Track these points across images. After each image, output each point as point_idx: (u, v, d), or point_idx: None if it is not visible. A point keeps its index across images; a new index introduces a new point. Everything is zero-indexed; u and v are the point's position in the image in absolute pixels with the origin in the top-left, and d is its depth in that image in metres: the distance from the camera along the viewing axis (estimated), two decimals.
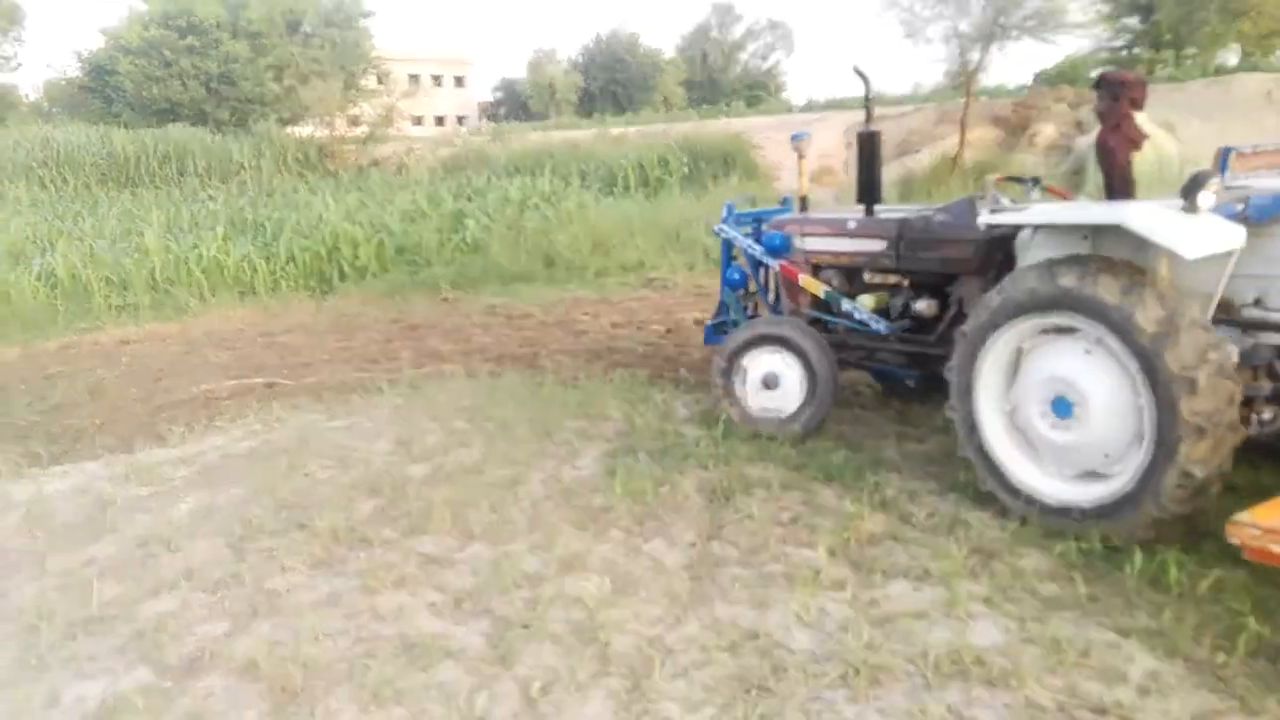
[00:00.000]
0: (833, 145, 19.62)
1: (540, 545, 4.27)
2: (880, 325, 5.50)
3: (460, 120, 53.21)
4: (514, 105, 55.32)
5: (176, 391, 7.52)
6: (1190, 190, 3.88)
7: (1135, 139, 5.33)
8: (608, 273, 12.28)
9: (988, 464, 4.33)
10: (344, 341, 9.34)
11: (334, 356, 8.67)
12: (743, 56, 57.62)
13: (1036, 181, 5.68)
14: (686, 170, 17.22)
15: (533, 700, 3.13)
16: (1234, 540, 3.22)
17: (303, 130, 26.81)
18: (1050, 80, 26.84)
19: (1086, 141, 6.15)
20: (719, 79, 54.88)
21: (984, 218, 4.61)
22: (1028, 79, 31.07)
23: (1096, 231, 4.18)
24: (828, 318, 5.87)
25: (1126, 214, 3.89)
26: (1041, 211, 4.56)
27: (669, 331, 8.84)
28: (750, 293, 6.57)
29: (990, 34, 16.78)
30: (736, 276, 6.49)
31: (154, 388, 7.72)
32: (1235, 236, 3.89)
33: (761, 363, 5.65)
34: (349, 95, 28.90)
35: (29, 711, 3.18)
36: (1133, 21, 29.82)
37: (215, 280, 12.36)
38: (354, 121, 26.74)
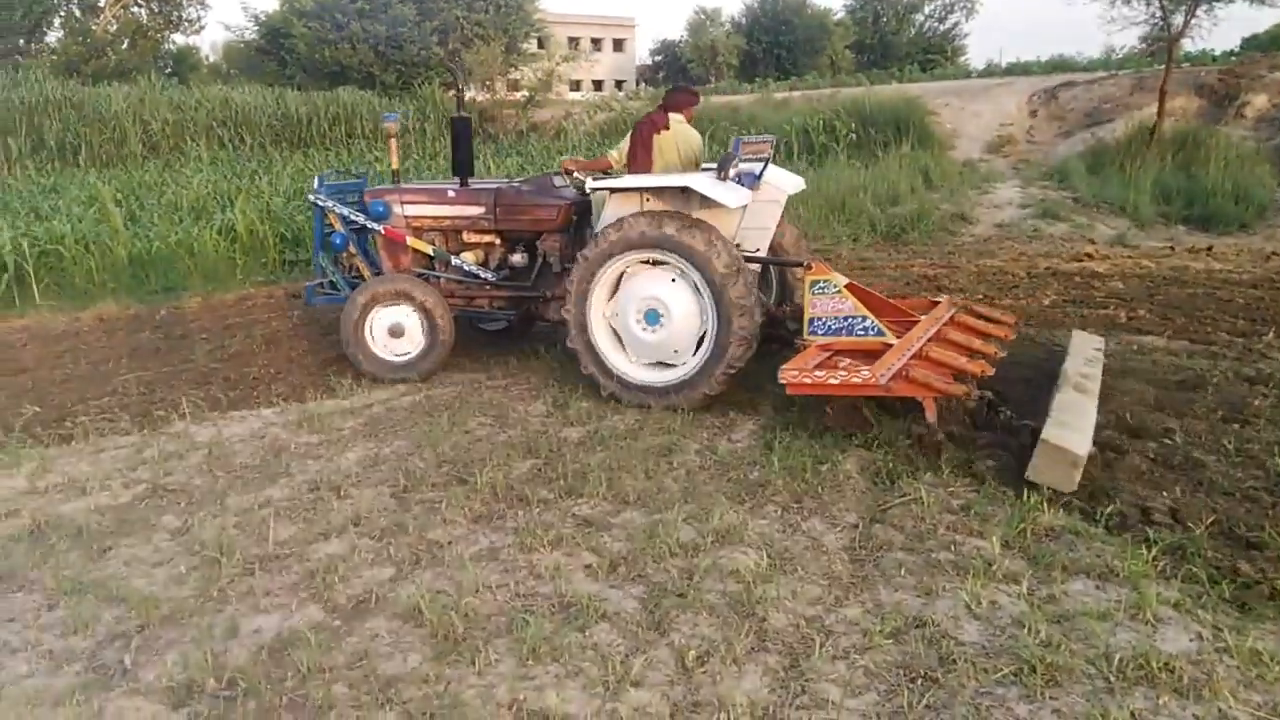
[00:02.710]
0: (1014, 113, 18.60)
1: (695, 515, 4.24)
2: (489, 275, 6.88)
3: (619, 85, 53.33)
4: (673, 69, 54.81)
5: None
6: (723, 165, 5.87)
7: (659, 126, 6.58)
8: None
9: (600, 365, 5.92)
10: None
11: None
12: (918, 18, 54.76)
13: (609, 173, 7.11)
14: (854, 137, 16.51)
15: (688, 669, 3.10)
16: (782, 380, 4.96)
17: (464, 94, 27.44)
18: (1262, 46, 24.66)
19: None
20: (891, 42, 52.26)
21: (592, 183, 6.30)
22: (1235, 44, 28.58)
23: (657, 192, 5.84)
24: (431, 273, 7.03)
25: (691, 179, 5.64)
26: (632, 178, 6.10)
27: None
28: (350, 255, 7.28)
29: None
30: (338, 241, 7.19)
31: (323, 341, 8.03)
32: (746, 196, 5.93)
33: (387, 315, 6.61)
34: (510, 59, 29.33)
35: (211, 640, 3.35)
36: None
37: None
38: (514, 86, 27.18)
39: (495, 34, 31.28)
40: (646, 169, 6.51)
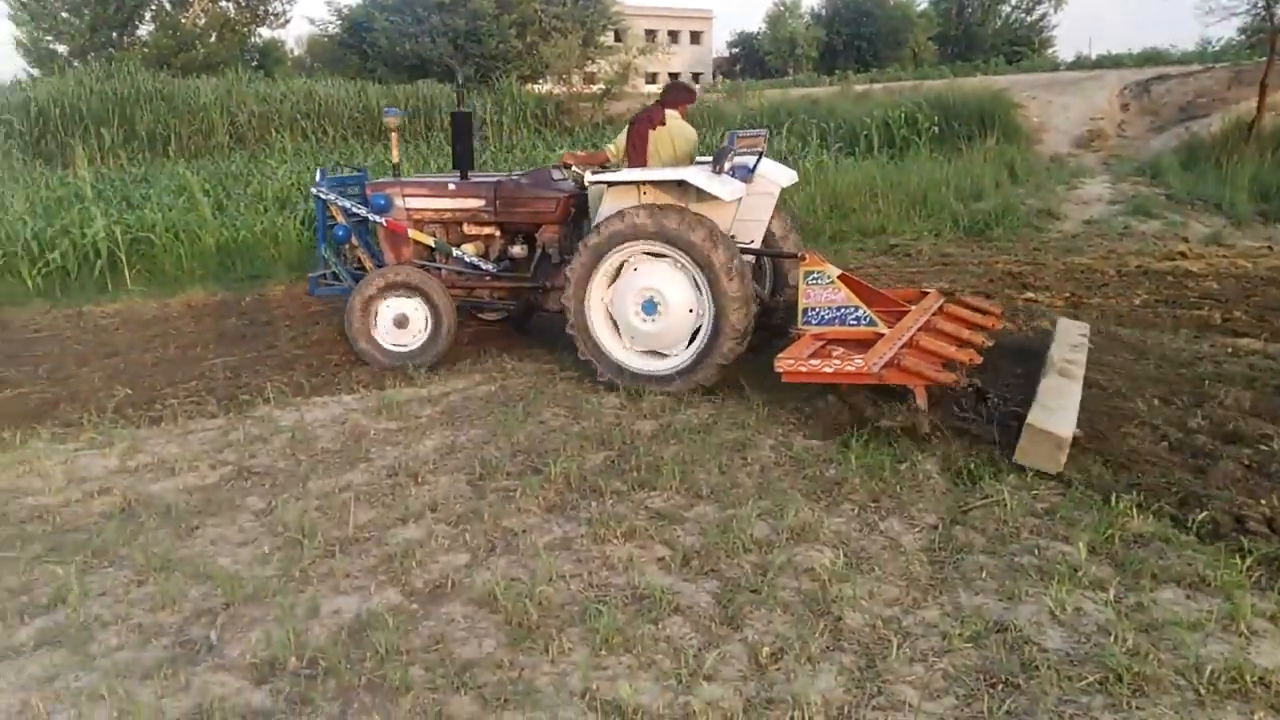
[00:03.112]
0: (1105, 107, 18.06)
1: (770, 512, 4.20)
2: (489, 266, 7.04)
3: (695, 77, 53.10)
4: (751, 62, 54.51)
5: None
6: (718, 159, 5.93)
7: (655, 121, 6.69)
8: (845, 237, 11.89)
9: (610, 364, 6.11)
10: None
11: None
12: (1004, 9, 53.28)
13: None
14: (937, 130, 16.12)
15: (762, 666, 3.08)
16: (779, 369, 5.16)
17: (541, 87, 27.58)
18: None
19: None
20: (976, 33, 50.90)
21: (591, 176, 6.44)
22: None
23: (654, 186, 5.99)
24: (431, 265, 7.13)
25: (686, 173, 5.82)
26: (629, 172, 6.22)
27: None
28: (353, 247, 7.40)
29: None
30: (340, 233, 7.31)
31: None
32: (741, 189, 6.06)
33: (392, 306, 6.77)
34: (587, 52, 29.40)
35: (293, 619, 3.42)
36: None
37: None
38: (590, 79, 27.24)
39: (573, 26, 31.39)
40: (643, 164, 6.59)
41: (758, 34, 55.04)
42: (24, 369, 7.18)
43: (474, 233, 7.13)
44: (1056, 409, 4.63)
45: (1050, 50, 50.06)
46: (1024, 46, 48.43)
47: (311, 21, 58.85)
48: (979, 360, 5.17)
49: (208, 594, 3.64)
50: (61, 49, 31.48)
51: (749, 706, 2.87)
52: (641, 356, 6.15)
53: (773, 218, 6.73)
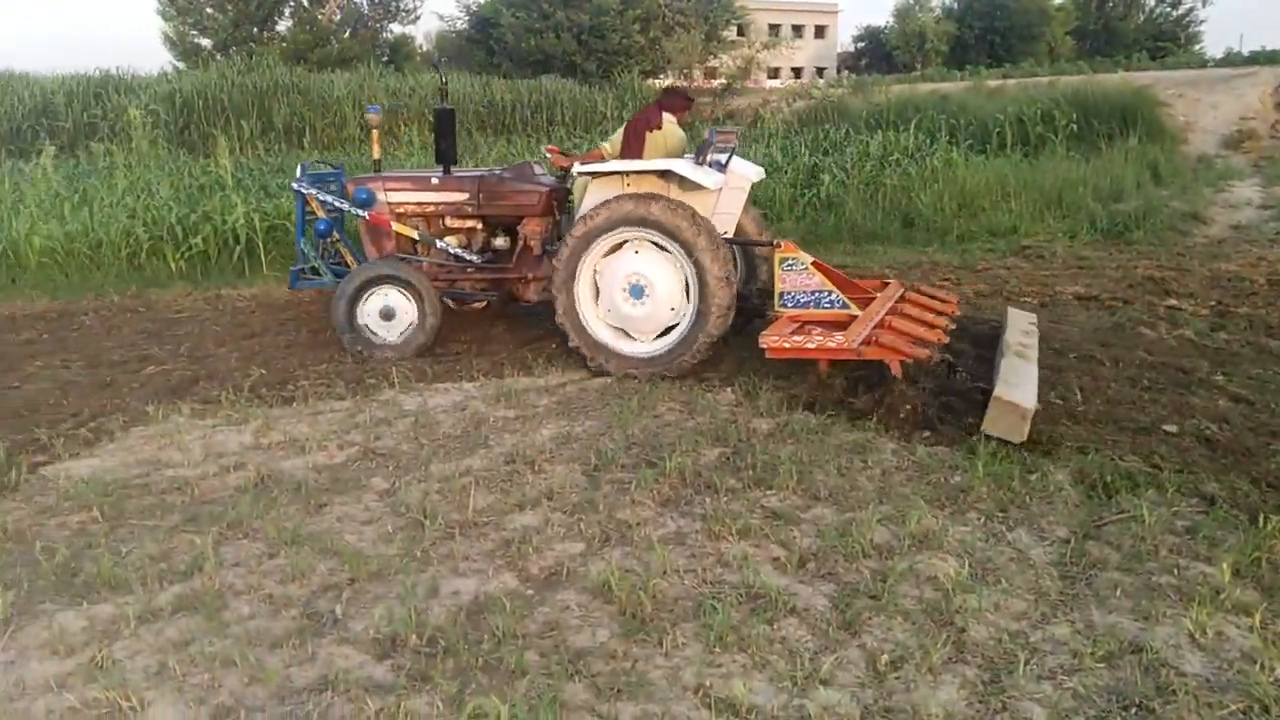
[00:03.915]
0: (1257, 105, 17.05)
1: (890, 517, 4.10)
2: (473, 258, 7.24)
3: (819, 72, 52.35)
4: (876, 56, 53.52)
5: (540, 326, 7.99)
6: (700, 152, 6.35)
7: (653, 123, 6.98)
8: (973, 237, 11.48)
9: (601, 349, 6.34)
10: None
11: None
12: (1149, 2, 50.85)
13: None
14: (1074, 128, 15.28)
15: (880, 673, 3.00)
16: (764, 345, 5.65)
17: (662, 82, 27.62)
18: None
19: None
20: (1118, 28, 48.73)
21: (579, 167, 6.66)
22: None
23: (638, 178, 6.27)
24: (414, 257, 7.33)
25: (672, 163, 6.18)
26: (615, 163, 6.48)
27: (1042, 307, 8.09)
28: (334, 241, 7.58)
29: None
30: (322, 227, 7.41)
31: (521, 322, 8.24)
32: (721, 180, 6.41)
33: (379, 299, 6.89)
34: (709, 47, 29.31)
35: (414, 598, 3.50)
36: None
37: None
38: (711, 74, 27.15)
39: (696, 21, 31.38)
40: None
41: (885, 28, 54.00)
42: (166, 347, 7.56)
43: (456, 226, 7.34)
44: (1020, 384, 5.02)
45: (1197, 46, 47.69)
46: (1169, 41, 46.21)
47: (440, 18, 60.54)
48: (945, 340, 5.68)
49: (334, 569, 3.76)
50: (205, 43, 33.06)
51: (866, 714, 2.81)
52: (631, 340, 6.40)
53: (743, 212, 7.06)
